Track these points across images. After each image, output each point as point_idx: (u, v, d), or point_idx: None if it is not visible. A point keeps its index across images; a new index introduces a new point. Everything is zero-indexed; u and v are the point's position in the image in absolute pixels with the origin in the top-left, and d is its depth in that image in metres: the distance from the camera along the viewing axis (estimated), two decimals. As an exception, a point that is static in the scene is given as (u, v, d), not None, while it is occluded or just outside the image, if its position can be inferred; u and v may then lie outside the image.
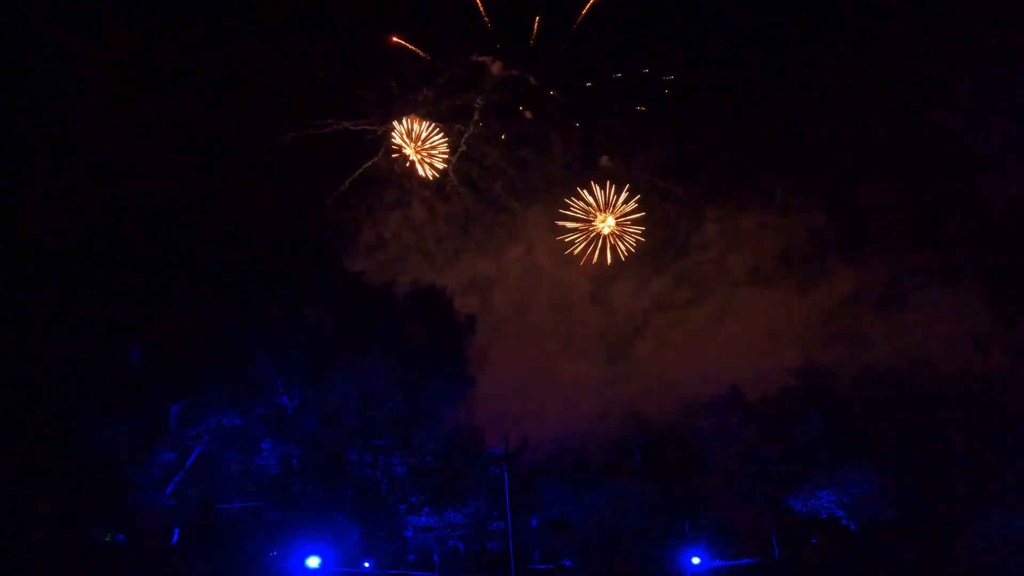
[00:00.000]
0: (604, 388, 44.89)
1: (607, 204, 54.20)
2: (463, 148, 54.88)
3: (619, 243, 54.89)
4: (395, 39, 49.92)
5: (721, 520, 41.57)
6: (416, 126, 53.40)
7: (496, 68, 52.27)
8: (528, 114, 54.86)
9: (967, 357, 42.30)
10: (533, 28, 50.17)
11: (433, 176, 54.83)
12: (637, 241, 54.50)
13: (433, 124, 52.97)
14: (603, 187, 54.28)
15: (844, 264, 48.88)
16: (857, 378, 43.14)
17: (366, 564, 38.01)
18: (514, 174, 55.97)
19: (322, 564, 34.01)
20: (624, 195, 54.04)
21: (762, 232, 55.18)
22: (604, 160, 56.82)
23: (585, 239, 54.77)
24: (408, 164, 54.57)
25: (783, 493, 40.70)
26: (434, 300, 45.13)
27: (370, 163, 53.56)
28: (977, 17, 42.26)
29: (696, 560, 38.82)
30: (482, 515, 39.04)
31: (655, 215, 55.36)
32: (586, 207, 54.56)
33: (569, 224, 54.93)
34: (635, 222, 54.30)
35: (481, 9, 48.23)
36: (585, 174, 56.02)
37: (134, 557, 32.30)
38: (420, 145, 53.30)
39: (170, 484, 34.84)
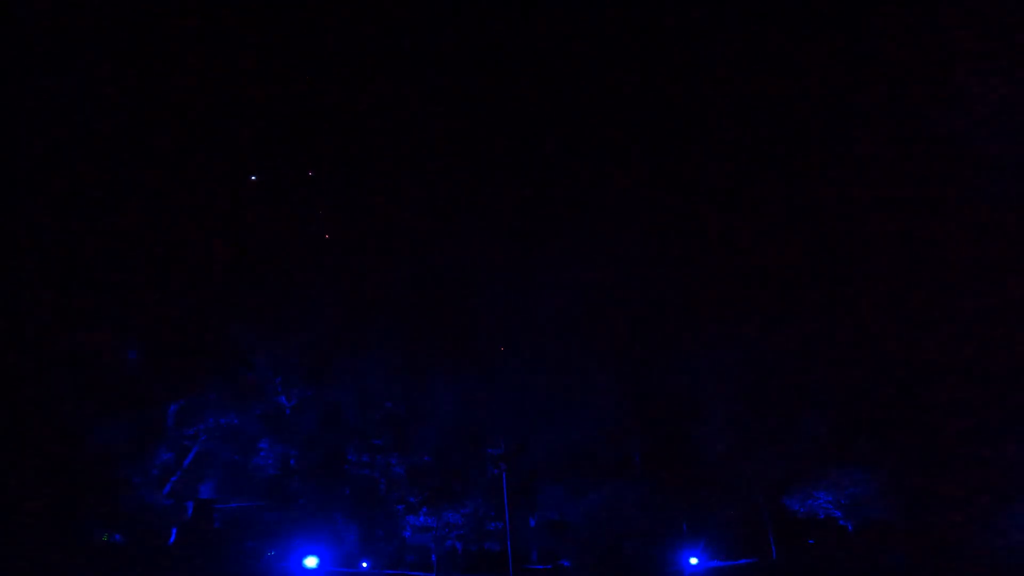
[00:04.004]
0: (604, 388, 44.72)
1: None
2: None
3: None
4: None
5: (719, 521, 41.54)
6: None
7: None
8: None
9: (967, 356, 42.15)
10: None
11: None
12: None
13: None
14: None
15: (843, 264, 48.66)
16: (856, 378, 43.03)
17: (364, 564, 38.06)
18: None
19: (320, 564, 34.07)
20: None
21: (766, 232, 54.66)
22: None
23: None
24: None
25: (780, 494, 40.70)
26: (434, 298, 45.21)
27: None
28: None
29: (694, 560, 38.86)
30: (480, 515, 39.07)
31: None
32: None
33: None
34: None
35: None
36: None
37: (132, 557, 32.35)
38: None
39: (167, 484, 34.92)
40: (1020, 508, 35.15)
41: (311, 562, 33.59)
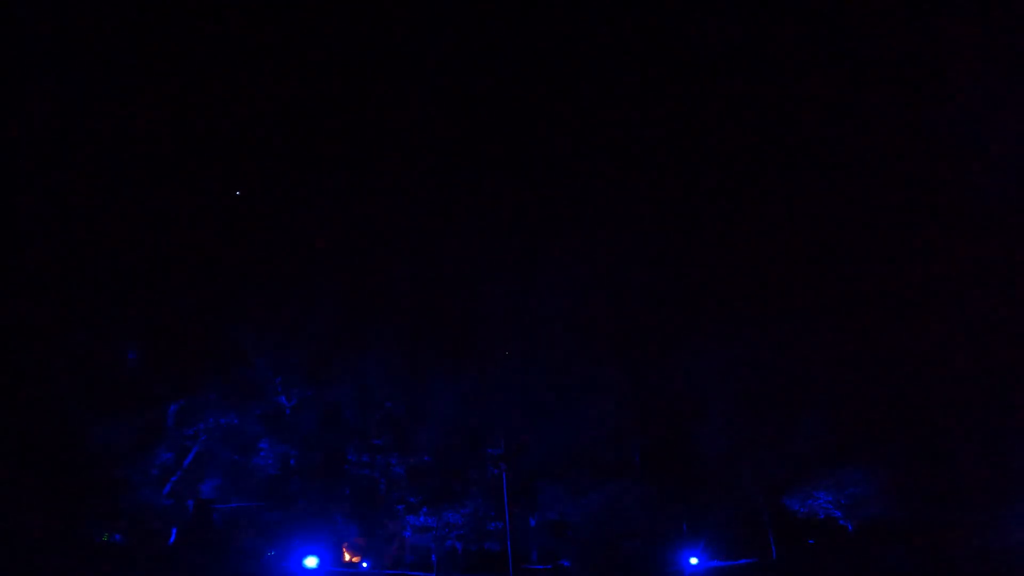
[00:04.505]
0: (604, 388, 44.69)
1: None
2: None
3: None
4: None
5: (719, 521, 41.55)
6: None
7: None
8: None
9: (967, 356, 42.17)
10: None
11: None
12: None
13: None
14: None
15: (844, 264, 48.68)
16: (856, 378, 43.04)
17: (364, 564, 38.11)
18: None
19: (320, 564, 34.10)
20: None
21: (766, 232, 54.61)
22: None
23: None
24: None
25: (780, 494, 40.72)
26: (434, 298, 45.26)
27: None
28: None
29: (694, 560, 38.85)
30: (480, 515, 39.09)
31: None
32: None
33: None
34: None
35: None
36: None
37: (132, 557, 32.35)
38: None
39: (167, 484, 34.87)
40: (1020, 508, 35.16)
41: (311, 562, 33.60)
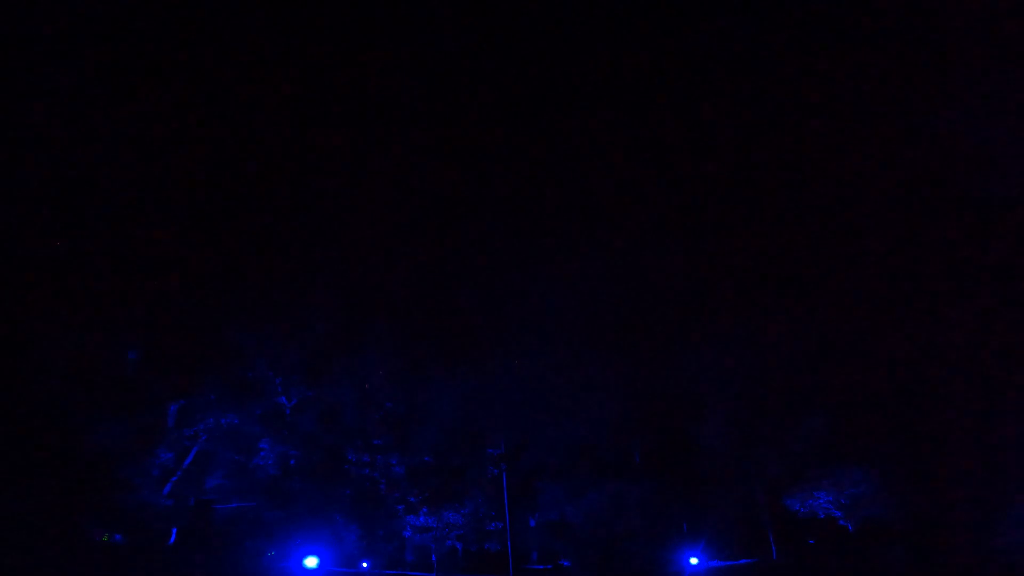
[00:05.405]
0: (605, 388, 44.64)
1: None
2: None
3: None
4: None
5: (719, 521, 41.57)
6: None
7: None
8: None
9: (967, 356, 42.19)
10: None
11: None
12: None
13: None
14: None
15: (845, 264, 48.70)
16: (856, 378, 43.07)
17: (364, 564, 38.06)
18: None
19: (320, 564, 34.07)
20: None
21: (767, 232, 54.61)
22: None
23: None
24: None
25: (781, 494, 40.75)
26: (434, 298, 45.27)
27: None
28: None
29: (694, 560, 38.87)
30: (480, 515, 39.04)
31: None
32: None
33: None
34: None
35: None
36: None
37: (132, 557, 32.34)
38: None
39: (167, 484, 34.87)
40: (1020, 508, 35.19)
41: (311, 562, 33.57)
